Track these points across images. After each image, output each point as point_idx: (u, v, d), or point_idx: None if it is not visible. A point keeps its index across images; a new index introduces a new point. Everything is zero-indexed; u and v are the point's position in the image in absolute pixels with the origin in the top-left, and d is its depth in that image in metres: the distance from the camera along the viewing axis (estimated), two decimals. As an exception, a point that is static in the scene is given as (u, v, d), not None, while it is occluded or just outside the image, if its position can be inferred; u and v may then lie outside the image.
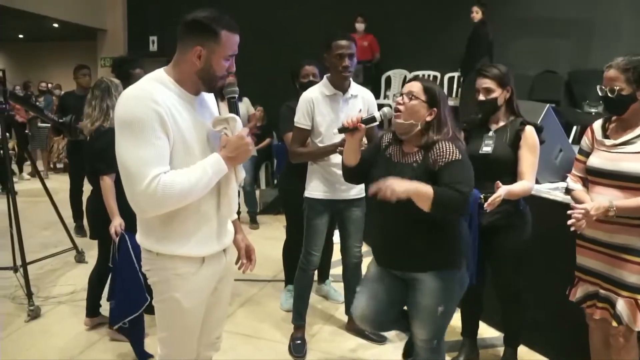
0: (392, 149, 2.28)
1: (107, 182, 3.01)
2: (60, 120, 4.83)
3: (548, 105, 3.39)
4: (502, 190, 2.42)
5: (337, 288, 4.02)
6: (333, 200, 3.10)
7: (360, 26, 7.64)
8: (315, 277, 3.90)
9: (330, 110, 3.04)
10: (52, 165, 10.39)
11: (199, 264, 1.83)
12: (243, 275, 4.27)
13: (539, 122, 3.26)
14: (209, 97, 1.92)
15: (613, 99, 2.25)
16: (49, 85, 11.44)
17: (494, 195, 2.39)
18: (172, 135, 1.65)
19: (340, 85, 3.03)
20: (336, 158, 2.99)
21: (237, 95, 1.93)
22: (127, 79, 3.53)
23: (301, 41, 7.07)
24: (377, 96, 7.58)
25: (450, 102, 7.40)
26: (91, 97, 3.20)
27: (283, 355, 3.21)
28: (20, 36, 14.62)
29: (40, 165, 9.35)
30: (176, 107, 1.68)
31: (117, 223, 2.97)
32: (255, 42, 8.11)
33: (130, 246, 2.91)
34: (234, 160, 1.77)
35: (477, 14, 6.89)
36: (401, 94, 2.19)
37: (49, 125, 7.45)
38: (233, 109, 1.86)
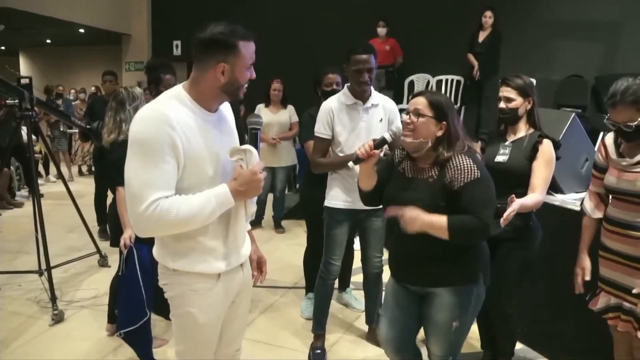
0: (406, 164, 2.23)
1: (121, 193, 3.00)
2: (88, 127, 4.90)
3: (573, 113, 3.32)
4: (516, 205, 2.36)
5: (357, 296, 3.99)
6: (353, 209, 3.06)
7: (382, 30, 7.60)
8: (336, 285, 3.89)
9: (350, 119, 3.02)
10: (79, 169, 10.54)
11: (215, 280, 1.83)
12: (264, 282, 4.32)
13: (564, 131, 3.21)
14: (227, 111, 1.90)
15: (631, 132, 2.17)
16: (73, 89, 11.66)
17: (509, 210, 2.33)
18: (182, 160, 1.64)
19: (360, 95, 3.01)
20: (357, 167, 2.98)
21: (259, 128, 1.90)
22: (157, 83, 3.57)
23: (323, 47, 7.08)
24: (399, 101, 7.54)
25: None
26: (109, 107, 3.24)
27: (302, 364, 3.20)
28: (48, 41, 14.89)
29: (64, 168, 9.53)
30: (192, 127, 1.67)
31: (127, 235, 2.96)
32: (278, 47, 8.15)
33: (137, 260, 2.92)
34: (243, 195, 1.73)
35: (490, 19, 6.84)
36: (407, 112, 2.14)
37: (77, 130, 7.58)
38: (253, 141, 1.84)
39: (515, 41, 7.03)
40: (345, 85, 3.09)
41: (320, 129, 3.07)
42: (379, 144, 2.20)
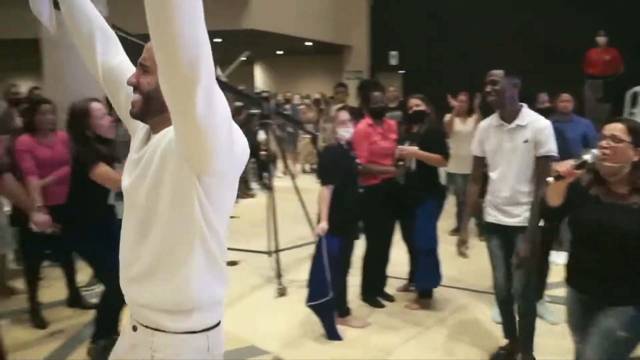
0: (597, 189, 2.30)
1: (323, 191, 3.63)
2: (317, 133, 5.81)
3: None
4: None
5: (553, 310, 4.03)
6: (499, 225, 3.19)
7: (602, 40, 7.24)
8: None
9: (495, 140, 3.16)
10: (302, 167, 11.63)
11: None
12: (459, 284, 4.59)
13: None
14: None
15: None
16: (298, 95, 12.97)
17: None
18: None
19: (505, 116, 3.13)
20: (500, 184, 3.15)
21: None
22: (366, 102, 4.18)
23: (529, 59, 7.01)
24: (619, 113, 7.08)
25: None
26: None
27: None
28: (279, 52, 16.68)
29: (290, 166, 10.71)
30: None
31: (319, 226, 3.60)
32: (469, 60, 8.23)
33: (325, 248, 3.57)
34: None
35: None
36: (604, 137, 2.22)
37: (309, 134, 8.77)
38: None
39: None
40: None
41: (474, 147, 3.30)
42: (579, 165, 2.25)
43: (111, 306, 3.24)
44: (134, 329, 1.53)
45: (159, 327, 1.47)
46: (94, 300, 4.05)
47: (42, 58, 5.87)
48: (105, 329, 3.29)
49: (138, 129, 1.58)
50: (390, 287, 4.53)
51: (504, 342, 3.47)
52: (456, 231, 6.40)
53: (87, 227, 3.24)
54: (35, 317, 3.97)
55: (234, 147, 1.38)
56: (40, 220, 3.20)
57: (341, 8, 12.60)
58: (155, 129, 1.49)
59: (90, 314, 3.63)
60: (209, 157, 1.32)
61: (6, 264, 4.72)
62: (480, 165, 3.34)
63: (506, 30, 8.78)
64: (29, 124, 3.87)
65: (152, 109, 1.45)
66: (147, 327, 1.49)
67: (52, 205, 3.60)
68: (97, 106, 3.23)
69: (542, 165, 3.03)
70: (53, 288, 4.44)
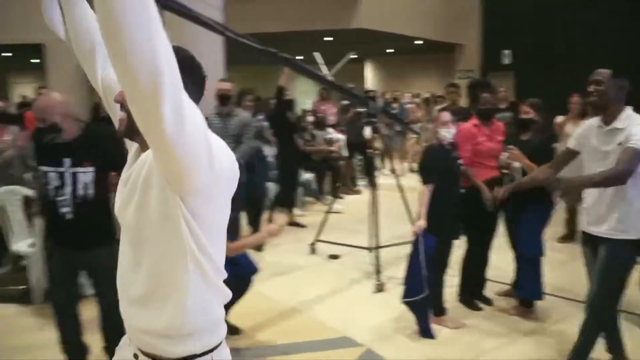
0: None
1: (424, 190, 3.69)
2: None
3: None
4: None
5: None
6: (589, 233, 3.08)
7: None
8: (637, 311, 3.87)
9: (594, 140, 3.03)
10: (410, 166, 11.62)
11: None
12: (564, 293, 4.43)
13: None
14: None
15: None
16: (409, 93, 12.93)
17: None
18: None
19: (606, 118, 2.97)
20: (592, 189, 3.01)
21: None
22: (475, 102, 4.16)
23: None
24: None
25: None
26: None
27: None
28: (389, 51, 16.72)
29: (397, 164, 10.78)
30: None
31: (417, 224, 3.67)
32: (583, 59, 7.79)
33: (422, 245, 3.62)
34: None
35: None
36: None
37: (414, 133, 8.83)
38: None
39: None
40: None
41: (570, 140, 3.22)
42: None
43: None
44: (135, 357, 1.50)
45: (160, 353, 1.44)
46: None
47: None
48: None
49: (133, 146, 1.54)
50: (491, 291, 4.47)
51: (606, 356, 3.33)
52: (565, 238, 6.13)
53: None
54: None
55: (214, 163, 1.29)
56: None
57: (452, 6, 12.41)
58: (143, 147, 1.43)
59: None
60: (185, 175, 1.25)
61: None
62: (567, 157, 3.26)
63: (629, 28, 8.22)
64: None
65: (137, 127, 1.28)
66: (148, 355, 1.46)
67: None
68: None
69: (623, 151, 2.79)
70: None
